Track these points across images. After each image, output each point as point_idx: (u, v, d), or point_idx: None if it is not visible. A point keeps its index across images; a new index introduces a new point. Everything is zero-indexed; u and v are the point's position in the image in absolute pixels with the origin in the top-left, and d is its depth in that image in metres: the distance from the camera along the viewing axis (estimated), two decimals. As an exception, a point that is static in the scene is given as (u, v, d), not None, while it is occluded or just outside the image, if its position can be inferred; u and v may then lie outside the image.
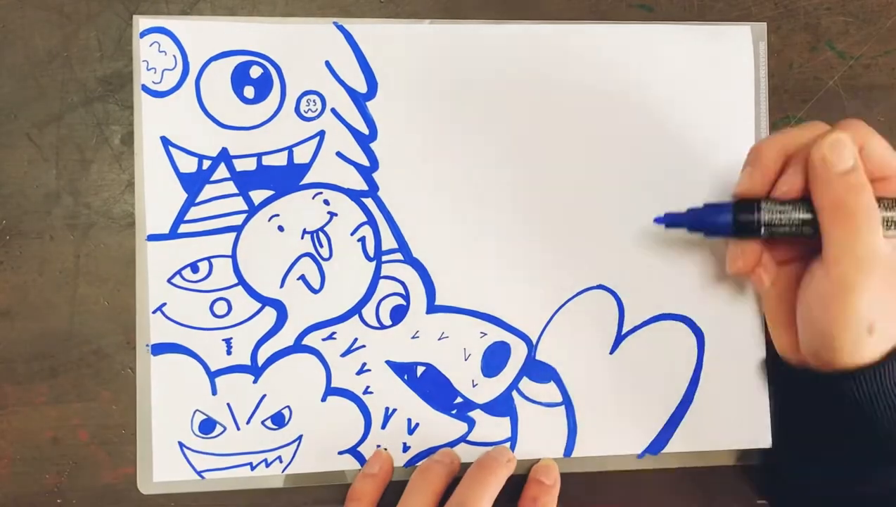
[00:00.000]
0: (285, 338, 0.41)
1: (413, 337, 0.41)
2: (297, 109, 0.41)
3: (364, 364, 0.41)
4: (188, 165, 0.40)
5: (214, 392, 0.40)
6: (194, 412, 0.40)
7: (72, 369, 0.40)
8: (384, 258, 0.41)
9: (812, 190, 0.36)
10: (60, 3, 0.41)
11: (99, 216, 0.41)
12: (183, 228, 0.40)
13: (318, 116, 0.41)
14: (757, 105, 0.43)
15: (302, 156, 0.41)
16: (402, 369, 0.41)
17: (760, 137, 0.43)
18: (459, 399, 0.41)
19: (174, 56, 0.40)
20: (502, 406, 0.42)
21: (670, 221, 0.39)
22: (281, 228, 0.41)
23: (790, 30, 0.44)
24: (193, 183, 0.40)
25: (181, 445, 0.40)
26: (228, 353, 0.40)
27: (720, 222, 0.38)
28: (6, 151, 0.40)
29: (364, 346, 0.41)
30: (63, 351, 0.40)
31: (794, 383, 0.39)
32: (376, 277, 0.41)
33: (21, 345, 0.40)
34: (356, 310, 0.41)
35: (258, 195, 0.41)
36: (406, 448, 0.41)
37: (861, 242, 0.34)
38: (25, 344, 0.40)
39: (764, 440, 0.42)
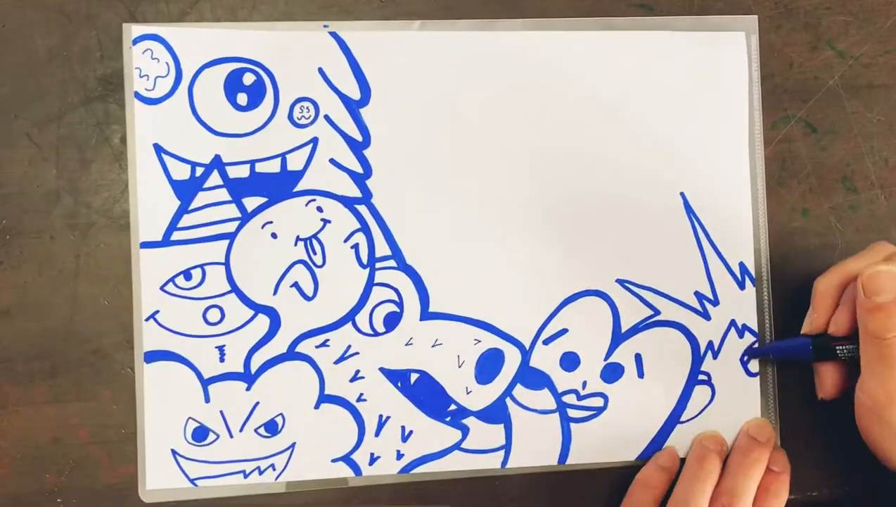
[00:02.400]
0: (278, 345, 0.41)
1: (407, 344, 0.41)
2: (290, 116, 0.41)
3: (357, 371, 0.41)
4: (181, 172, 0.40)
5: (207, 400, 0.40)
6: (187, 420, 0.40)
7: (72, 369, 0.40)
8: (378, 265, 0.41)
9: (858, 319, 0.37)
10: (60, 3, 0.41)
11: (99, 216, 0.41)
12: (176, 236, 0.40)
13: (312, 122, 0.41)
14: (750, 100, 0.43)
15: (295, 163, 0.41)
16: (396, 377, 0.41)
17: (755, 134, 0.43)
18: (453, 406, 0.41)
19: (167, 63, 0.40)
20: (496, 413, 0.42)
21: (754, 354, 0.43)
22: (274, 236, 0.41)
23: (790, 29, 0.44)
24: (186, 190, 0.40)
25: (174, 452, 0.40)
26: (221, 360, 0.40)
27: (802, 357, 0.40)
28: (6, 150, 0.40)
29: (357, 353, 0.41)
30: (63, 351, 0.40)
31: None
32: (370, 284, 0.41)
33: (21, 345, 0.40)
34: (349, 317, 0.41)
35: (251, 202, 0.41)
36: (400, 456, 0.41)
37: (892, 377, 0.35)
38: (25, 344, 0.40)
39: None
